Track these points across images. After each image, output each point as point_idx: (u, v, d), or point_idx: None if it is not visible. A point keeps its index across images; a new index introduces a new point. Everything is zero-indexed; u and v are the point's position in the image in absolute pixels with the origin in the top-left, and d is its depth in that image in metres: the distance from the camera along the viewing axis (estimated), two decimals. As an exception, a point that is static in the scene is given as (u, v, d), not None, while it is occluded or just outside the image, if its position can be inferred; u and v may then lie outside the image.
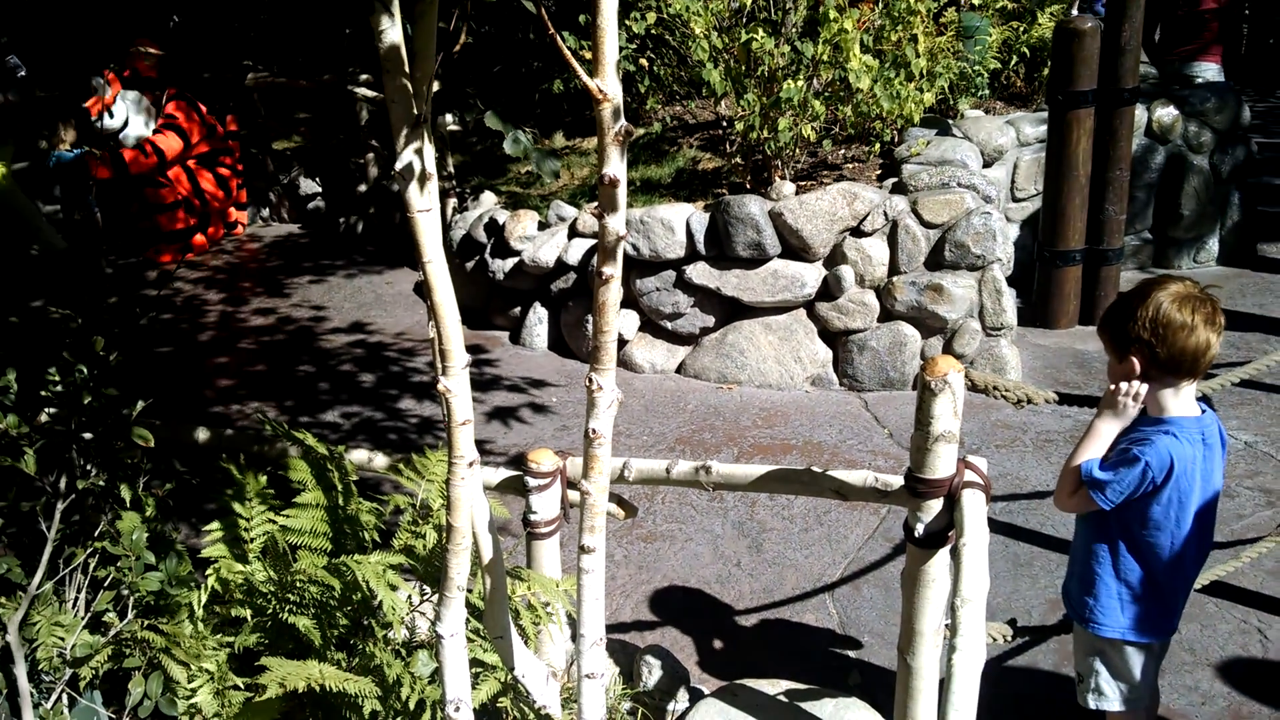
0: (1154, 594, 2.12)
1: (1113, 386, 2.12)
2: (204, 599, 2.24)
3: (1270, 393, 4.52)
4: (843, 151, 5.60)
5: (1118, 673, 2.20)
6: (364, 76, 7.72)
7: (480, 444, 4.48)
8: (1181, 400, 2.05)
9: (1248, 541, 3.32)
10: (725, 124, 5.76)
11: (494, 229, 5.81)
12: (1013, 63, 6.31)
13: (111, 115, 7.13)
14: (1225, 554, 3.26)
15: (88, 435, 2.36)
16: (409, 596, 2.33)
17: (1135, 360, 2.03)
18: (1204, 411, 2.09)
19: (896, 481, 2.13)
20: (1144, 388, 2.07)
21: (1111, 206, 5.29)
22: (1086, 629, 2.20)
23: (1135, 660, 2.18)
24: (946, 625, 2.05)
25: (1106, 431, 2.12)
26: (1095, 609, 2.17)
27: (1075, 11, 5.09)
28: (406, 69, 1.45)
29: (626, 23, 5.50)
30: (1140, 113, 5.71)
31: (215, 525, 2.46)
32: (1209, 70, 6.41)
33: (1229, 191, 6.12)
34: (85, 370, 2.27)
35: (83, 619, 2.13)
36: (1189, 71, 6.39)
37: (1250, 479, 3.82)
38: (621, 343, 5.32)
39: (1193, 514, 2.08)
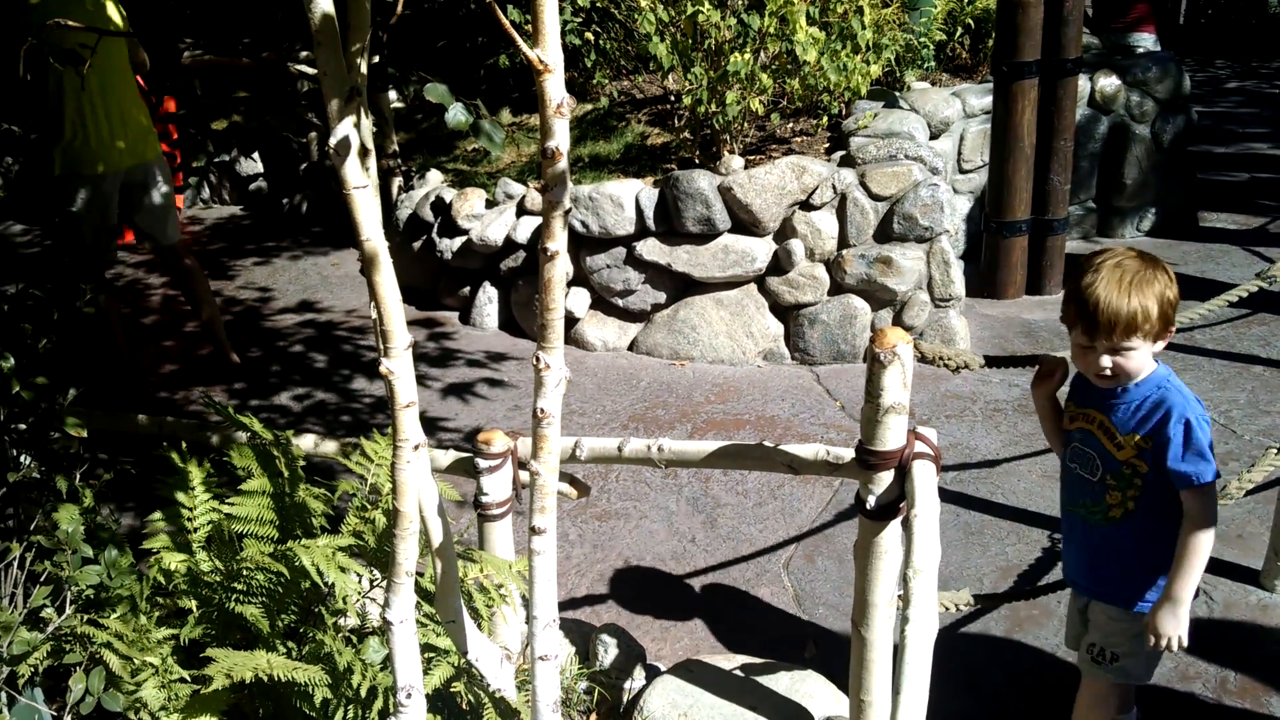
0: None
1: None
2: (146, 591, 2.19)
3: (1213, 358, 4.60)
4: (791, 125, 5.59)
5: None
6: (304, 54, 7.56)
7: (435, 421, 4.47)
8: None
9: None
10: (673, 98, 5.72)
11: (441, 208, 5.73)
12: (958, 34, 6.32)
13: None
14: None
15: (21, 426, 2.29)
16: (360, 580, 2.30)
17: (1162, 341, 2.00)
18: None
19: (848, 454, 2.13)
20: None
21: (1056, 177, 5.34)
22: (1136, 608, 2.13)
23: None
24: (900, 596, 2.06)
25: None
26: (1153, 588, 2.10)
27: None
28: (339, 41, 1.41)
29: (571, -4, 5.44)
30: (1083, 83, 5.76)
31: (157, 515, 2.40)
32: (1146, 40, 6.48)
33: (1171, 160, 6.20)
34: (13, 358, 2.19)
35: (19, 615, 2.07)
36: (1128, 42, 6.46)
37: (1194, 443, 3.88)
38: (573, 321, 5.28)
39: None
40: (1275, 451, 2.81)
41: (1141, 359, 1.99)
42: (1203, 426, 1.97)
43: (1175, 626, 2.01)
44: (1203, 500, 1.98)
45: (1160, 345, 2.00)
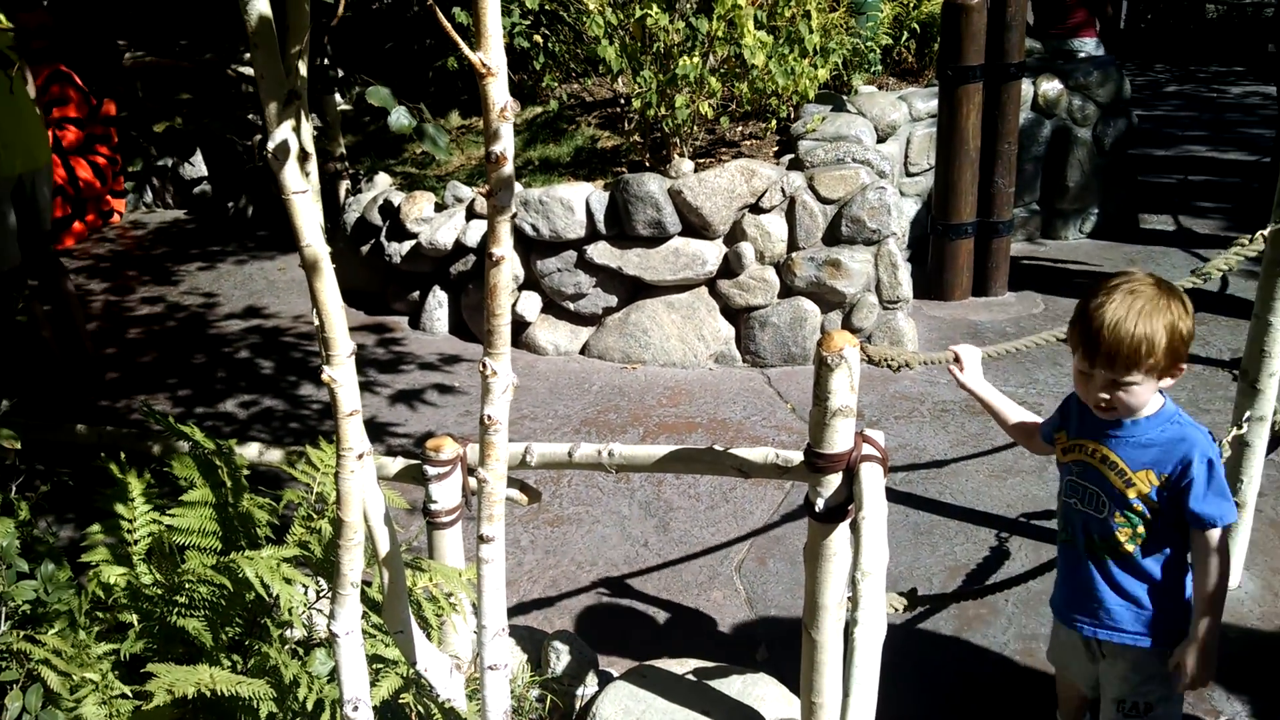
0: None
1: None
2: (85, 605, 2.14)
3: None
4: (740, 129, 5.61)
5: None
6: (247, 55, 7.45)
7: (385, 427, 4.43)
8: None
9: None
10: (623, 102, 5.71)
11: (389, 211, 5.68)
12: (904, 38, 6.39)
13: None
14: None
15: (-48, 438, 2.23)
16: (306, 591, 2.26)
17: (1170, 378, 1.88)
18: None
19: (797, 457, 2.13)
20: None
21: (1001, 179, 5.41)
22: (1159, 645, 2.00)
23: None
24: (849, 598, 2.06)
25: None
26: (1171, 619, 1.98)
27: None
28: (277, 43, 1.38)
29: (520, -2, 5.42)
30: (1027, 87, 5.84)
31: (96, 527, 2.34)
32: (1088, 44, 6.60)
33: (1112, 163, 6.31)
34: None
35: (-48, 633, 2.01)
36: (1070, 46, 6.57)
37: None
38: (524, 325, 5.26)
39: None
40: (1214, 449, 2.86)
41: (1143, 394, 1.86)
42: (1219, 464, 1.88)
43: (1209, 669, 1.91)
44: (1222, 539, 1.89)
45: (1168, 382, 1.87)
